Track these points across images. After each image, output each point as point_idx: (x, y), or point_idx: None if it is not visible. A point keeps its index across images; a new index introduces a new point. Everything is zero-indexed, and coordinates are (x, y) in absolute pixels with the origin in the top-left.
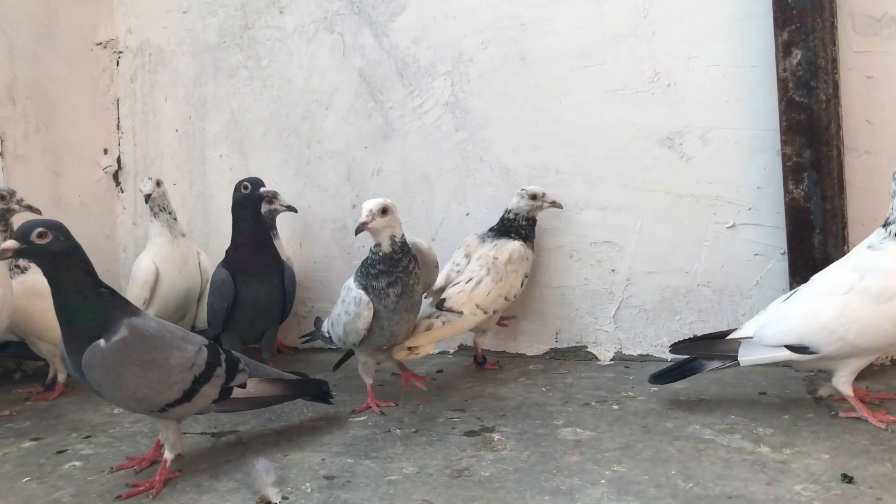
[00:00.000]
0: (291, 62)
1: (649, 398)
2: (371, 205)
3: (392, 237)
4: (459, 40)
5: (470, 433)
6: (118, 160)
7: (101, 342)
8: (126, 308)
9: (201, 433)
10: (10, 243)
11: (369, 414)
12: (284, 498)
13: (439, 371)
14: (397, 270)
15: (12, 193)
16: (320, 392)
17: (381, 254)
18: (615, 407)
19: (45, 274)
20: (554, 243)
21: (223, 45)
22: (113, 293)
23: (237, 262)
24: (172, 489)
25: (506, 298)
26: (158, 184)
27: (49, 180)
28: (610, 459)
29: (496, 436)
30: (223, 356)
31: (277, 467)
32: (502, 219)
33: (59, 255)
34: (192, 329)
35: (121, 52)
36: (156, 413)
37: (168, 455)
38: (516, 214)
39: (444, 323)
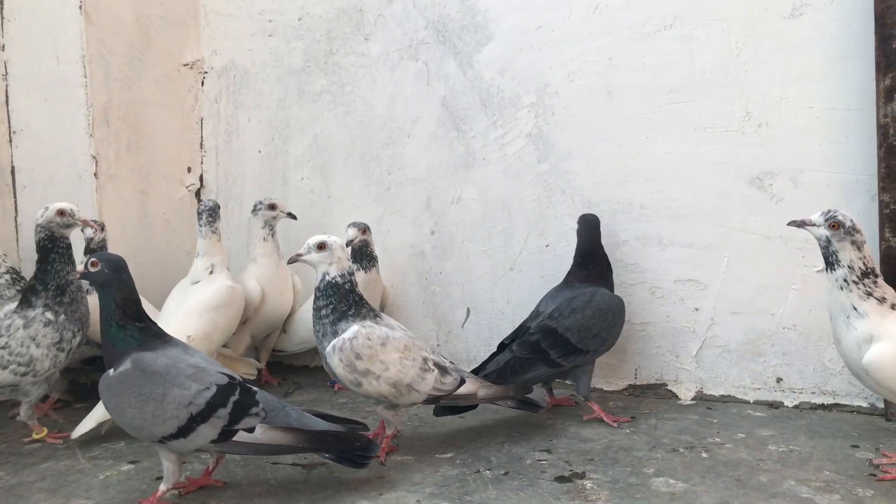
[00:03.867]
0: (375, 89)
1: (737, 446)
2: (311, 239)
3: (324, 273)
4: (545, 72)
5: (560, 479)
6: (201, 178)
7: (111, 371)
8: (146, 341)
9: (293, 464)
10: (80, 268)
11: (455, 451)
12: None
13: None
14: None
15: (277, 205)
16: (349, 453)
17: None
18: (704, 455)
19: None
20: (636, 279)
21: (307, 69)
22: (144, 328)
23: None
24: None
25: None
26: (273, 207)
27: (137, 198)
28: None
29: (588, 483)
30: (233, 398)
31: None
32: None
33: (102, 285)
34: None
35: (206, 73)
36: (155, 443)
37: (163, 487)
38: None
39: None
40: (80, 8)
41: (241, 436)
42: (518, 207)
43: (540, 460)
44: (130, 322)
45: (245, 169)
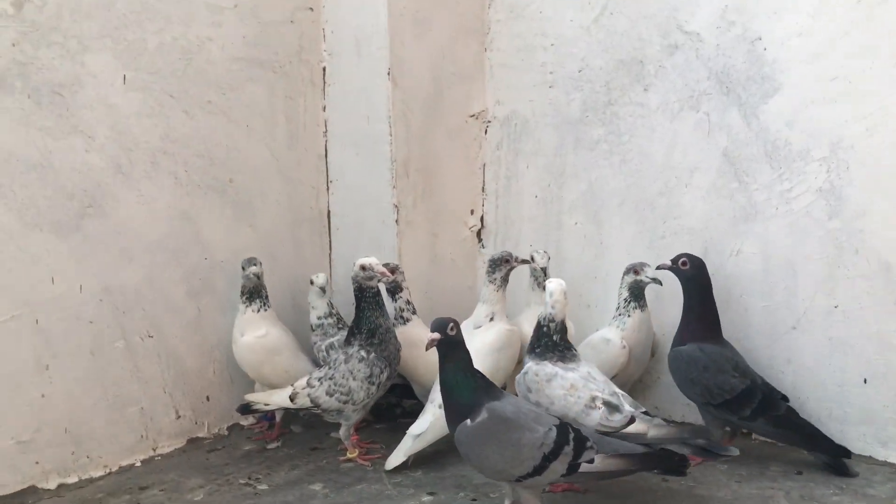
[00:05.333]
0: (652, 138)
1: None
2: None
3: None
4: (839, 126)
5: None
6: (481, 219)
7: (468, 422)
8: (489, 391)
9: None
10: (435, 335)
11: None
12: None
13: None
14: None
15: (509, 259)
16: (670, 466)
17: None
18: None
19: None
20: None
21: (585, 119)
22: (482, 377)
23: None
24: None
25: None
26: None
27: (429, 241)
28: None
29: None
30: (571, 435)
31: None
32: None
33: (451, 344)
34: None
35: (489, 122)
36: (512, 483)
37: None
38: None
39: None
40: (389, 74)
41: (584, 467)
42: (803, 265)
43: None
44: (473, 375)
45: (522, 212)
